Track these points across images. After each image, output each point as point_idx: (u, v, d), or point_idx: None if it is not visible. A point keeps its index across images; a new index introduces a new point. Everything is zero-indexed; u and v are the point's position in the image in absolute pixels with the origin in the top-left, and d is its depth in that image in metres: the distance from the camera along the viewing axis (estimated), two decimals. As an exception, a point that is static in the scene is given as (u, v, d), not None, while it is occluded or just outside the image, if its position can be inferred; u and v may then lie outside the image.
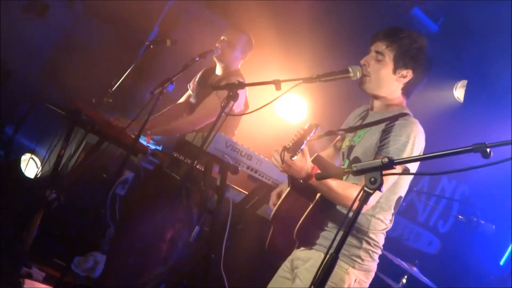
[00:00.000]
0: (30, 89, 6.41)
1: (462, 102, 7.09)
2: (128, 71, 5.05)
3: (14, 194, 5.73)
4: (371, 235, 3.13)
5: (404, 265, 5.51)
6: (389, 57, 3.20)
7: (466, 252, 7.24)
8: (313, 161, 3.00)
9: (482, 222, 6.35)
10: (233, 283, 4.34)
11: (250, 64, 5.36)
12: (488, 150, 2.09)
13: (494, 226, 6.42)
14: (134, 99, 6.89)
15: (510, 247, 7.24)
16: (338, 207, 3.13)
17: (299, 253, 3.24)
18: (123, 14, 6.52)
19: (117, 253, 5.04)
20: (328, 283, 2.95)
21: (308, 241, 3.19)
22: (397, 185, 3.12)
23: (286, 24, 6.77)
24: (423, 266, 5.78)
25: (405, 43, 3.20)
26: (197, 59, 4.76)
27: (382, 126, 3.12)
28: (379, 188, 2.24)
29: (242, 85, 3.65)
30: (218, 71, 5.18)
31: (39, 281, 4.89)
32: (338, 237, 2.31)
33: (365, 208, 2.92)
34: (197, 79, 5.36)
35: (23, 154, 6.22)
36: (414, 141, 3.03)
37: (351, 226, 2.29)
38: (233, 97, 3.60)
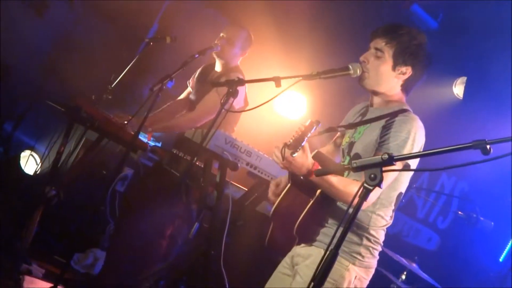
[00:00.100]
0: (30, 86, 6.40)
1: (461, 98, 7.09)
2: (128, 68, 5.06)
3: (14, 191, 5.72)
4: (372, 232, 3.13)
5: (404, 261, 5.52)
6: (388, 54, 3.20)
7: (465, 248, 7.25)
8: (313, 157, 3.00)
9: (482, 218, 6.36)
10: (232, 280, 4.35)
11: (249, 60, 5.36)
12: (488, 146, 2.09)
13: (493, 223, 6.43)
14: (134, 96, 6.89)
15: (509, 244, 7.24)
16: (338, 203, 3.13)
17: (299, 250, 3.24)
18: (122, 11, 6.51)
19: (117, 249, 5.05)
20: (329, 279, 2.98)
21: (308, 238, 3.19)
22: (398, 181, 3.13)
23: (285, 21, 6.77)
24: (423, 262, 5.79)
25: (404, 40, 3.20)
26: (197, 56, 4.76)
27: (382, 122, 3.12)
28: (379, 185, 2.24)
29: (241, 82, 3.66)
30: (218, 67, 5.18)
31: (38, 278, 4.89)
32: (338, 234, 2.31)
33: (366, 205, 2.93)
34: (196, 76, 5.36)
35: (22, 150, 6.23)
36: (414, 137, 3.03)
37: (351, 223, 2.29)
38: (233, 93, 3.60)
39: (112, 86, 5.04)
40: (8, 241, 4.90)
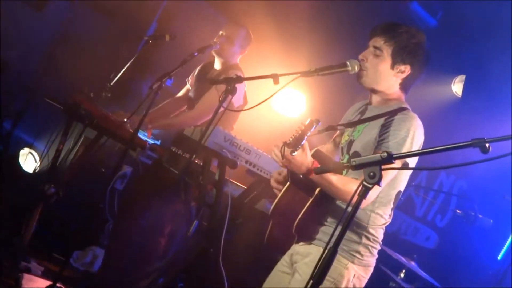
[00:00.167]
0: (29, 84, 6.40)
1: (460, 97, 7.08)
2: (127, 65, 5.06)
3: (13, 188, 5.72)
4: (371, 230, 3.13)
5: (403, 259, 5.52)
6: (387, 52, 3.20)
7: (464, 246, 7.24)
8: (313, 156, 3.00)
9: (480, 216, 6.36)
10: (231, 277, 4.35)
11: (248, 58, 5.36)
12: (487, 145, 2.10)
13: (491, 221, 6.43)
14: (133, 94, 6.89)
15: (508, 242, 7.25)
16: (337, 202, 3.13)
17: (299, 248, 3.24)
18: (121, 9, 6.52)
19: (116, 247, 5.05)
20: (328, 278, 2.98)
21: (307, 236, 3.19)
22: (397, 179, 3.13)
23: (284, 18, 6.77)
24: (421, 260, 5.79)
25: (403, 39, 3.20)
26: (196, 54, 4.76)
27: (381, 120, 3.13)
28: (378, 183, 2.24)
29: (240, 79, 3.65)
30: (217, 65, 5.19)
31: (38, 276, 4.89)
32: (337, 232, 2.32)
33: (365, 203, 2.93)
34: (195, 74, 5.36)
35: (21, 148, 6.22)
36: (413, 135, 3.03)
37: (350, 221, 2.29)
38: (231, 91, 3.60)
39: (111, 83, 5.04)
40: (8, 239, 4.91)
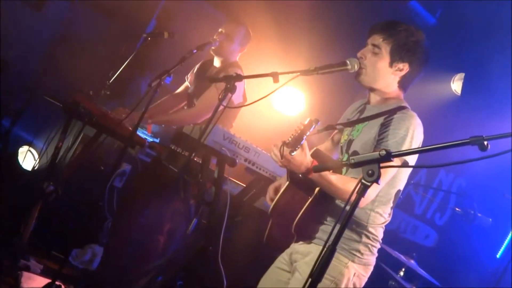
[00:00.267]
0: (28, 81, 6.39)
1: (459, 95, 7.09)
2: (126, 63, 5.05)
3: (12, 186, 5.72)
4: (371, 229, 3.13)
5: (402, 258, 5.53)
6: (385, 50, 3.20)
7: (463, 245, 7.26)
8: (312, 155, 3.00)
9: (479, 215, 6.36)
10: (230, 275, 4.35)
11: (248, 56, 5.36)
12: (485, 143, 2.10)
13: (490, 219, 6.44)
14: (132, 91, 6.88)
15: (507, 240, 7.26)
16: (337, 201, 3.13)
17: (298, 247, 3.24)
18: (120, 7, 6.51)
19: (115, 245, 5.05)
20: (328, 277, 2.99)
21: (306, 235, 3.19)
22: (396, 178, 3.13)
23: (284, 17, 6.76)
24: (420, 258, 5.80)
25: (401, 37, 3.20)
26: (195, 51, 4.76)
27: (380, 119, 3.12)
28: (376, 181, 2.25)
29: (239, 77, 3.65)
30: (216, 63, 5.19)
31: (37, 274, 4.89)
32: (336, 230, 2.32)
33: (365, 202, 2.94)
34: (195, 71, 5.36)
35: (20, 146, 6.22)
36: (413, 134, 3.03)
37: (348, 218, 2.29)
38: (231, 89, 3.59)
39: (110, 81, 5.04)
40: (7, 237, 4.90)
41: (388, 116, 3.10)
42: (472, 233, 7.00)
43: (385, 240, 3.28)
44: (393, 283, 5.57)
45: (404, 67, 3.22)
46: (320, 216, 3.18)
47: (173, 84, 5.75)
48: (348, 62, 3.20)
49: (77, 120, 4.84)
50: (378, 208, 3.14)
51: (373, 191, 2.93)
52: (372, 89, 3.28)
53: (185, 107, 5.29)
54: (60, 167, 5.02)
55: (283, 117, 6.94)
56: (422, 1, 6.98)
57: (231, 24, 5.19)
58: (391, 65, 3.20)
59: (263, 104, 3.64)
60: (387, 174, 2.96)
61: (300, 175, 2.95)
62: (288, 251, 3.32)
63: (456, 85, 7.12)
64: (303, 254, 3.19)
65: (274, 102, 6.92)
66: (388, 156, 2.22)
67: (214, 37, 5.08)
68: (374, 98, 3.30)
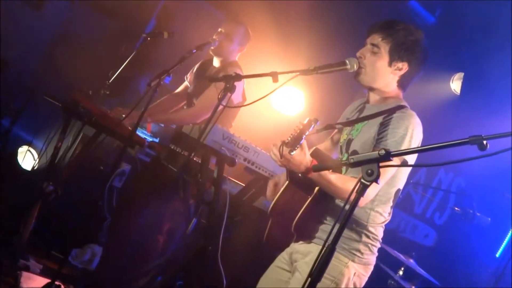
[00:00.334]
0: (28, 81, 6.39)
1: (458, 94, 7.09)
2: (126, 63, 5.05)
3: (11, 186, 5.72)
4: (370, 229, 3.13)
5: (401, 257, 5.53)
6: (384, 50, 3.20)
7: (462, 244, 7.26)
8: (311, 155, 3.00)
9: (478, 214, 6.37)
10: (230, 275, 4.35)
11: (247, 56, 5.36)
12: (484, 142, 2.10)
13: (490, 219, 6.44)
14: (132, 91, 6.88)
15: (506, 239, 7.26)
16: (336, 200, 3.13)
17: (298, 247, 3.24)
18: (120, 6, 6.51)
19: (114, 245, 5.05)
20: (328, 276, 3.00)
21: (306, 235, 3.19)
22: (396, 178, 3.13)
23: (283, 16, 6.76)
24: (420, 258, 5.80)
25: (400, 36, 3.20)
26: (194, 51, 4.76)
27: (379, 119, 3.13)
28: (375, 180, 2.25)
29: (239, 77, 3.65)
30: (216, 63, 5.19)
31: (36, 274, 4.89)
32: (336, 229, 2.32)
33: (364, 201, 2.94)
34: (194, 71, 5.36)
35: (20, 146, 6.22)
36: (412, 133, 3.03)
37: (348, 218, 2.30)
38: (230, 89, 3.59)
39: (110, 81, 5.04)
40: (6, 237, 4.90)
41: (387, 115, 3.11)
42: (471, 233, 7.01)
43: (384, 239, 3.29)
44: (392, 283, 5.57)
45: (403, 66, 3.22)
46: (319, 215, 3.18)
47: (172, 83, 5.75)
48: (347, 61, 3.20)
49: (76, 119, 4.84)
50: (378, 207, 3.14)
51: (372, 191, 2.93)
52: (371, 89, 3.28)
53: (185, 107, 5.29)
54: (59, 167, 5.02)
55: (283, 117, 6.94)
56: (422, 0, 6.99)
57: (230, 24, 5.19)
58: (390, 64, 3.20)
59: (263, 103, 3.65)
60: (386, 173, 2.96)
61: (300, 175, 2.95)
62: (288, 250, 3.32)
63: (456, 84, 7.13)
64: (303, 254, 3.19)
65: (273, 102, 6.92)
66: (388, 156, 2.23)
67: (214, 36, 5.08)
68: (373, 97, 3.30)
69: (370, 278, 3.25)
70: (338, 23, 6.90)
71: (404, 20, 3.33)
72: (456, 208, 6.69)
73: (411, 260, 5.61)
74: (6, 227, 5.08)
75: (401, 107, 3.16)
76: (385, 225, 3.23)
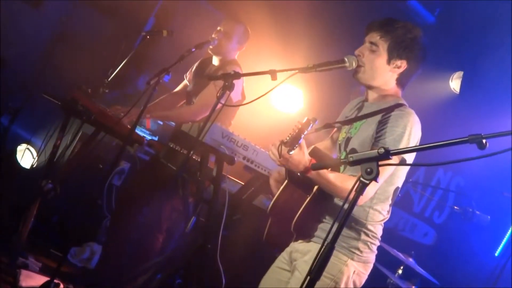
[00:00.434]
0: (26, 79, 6.39)
1: (458, 93, 7.10)
2: (125, 61, 5.05)
3: (10, 184, 5.72)
4: (369, 227, 3.13)
5: (401, 256, 5.52)
6: (383, 48, 3.20)
7: (461, 243, 7.26)
8: (310, 154, 3.00)
9: (478, 212, 6.37)
10: (229, 273, 4.35)
11: (246, 54, 5.36)
12: (484, 141, 2.10)
13: (489, 217, 6.44)
14: (131, 90, 6.88)
15: (506, 238, 7.26)
16: (335, 199, 3.13)
17: (298, 246, 3.24)
18: (119, 4, 6.51)
19: (114, 243, 5.05)
20: (327, 275, 2.99)
21: (306, 234, 3.19)
22: (394, 176, 3.13)
23: (282, 15, 6.76)
24: (419, 257, 5.80)
25: (399, 34, 3.20)
26: (193, 49, 4.76)
27: (378, 117, 3.12)
28: (375, 179, 2.25)
29: (238, 75, 3.64)
30: (215, 61, 5.19)
31: (35, 272, 4.89)
32: (335, 228, 2.31)
33: (363, 199, 2.94)
34: (193, 70, 5.36)
35: (19, 144, 6.21)
36: (410, 131, 3.03)
37: (347, 217, 2.29)
38: (229, 87, 3.59)
39: (109, 79, 5.03)
40: (5, 235, 4.90)
41: (386, 113, 3.10)
42: (470, 231, 7.01)
43: (383, 238, 3.29)
44: (392, 282, 5.57)
45: (402, 64, 3.21)
46: (319, 214, 3.18)
47: (171, 82, 5.75)
48: (346, 59, 3.20)
49: (75, 118, 4.84)
50: (377, 205, 3.14)
51: (371, 189, 2.92)
52: (370, 87, 3.28)
53: (184, 106, 5.28)
54: (58, 165, 5.02)
55: (282, 115, 6.94)
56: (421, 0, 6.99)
57: (229, 23, 5.19)
58: (389, 62, 3.20)
59: (262, 102, 3.64)
60: (385, 171, 2.96)
61: (299, 174, 2.95)
62: (288, 250, 3.32)
63: (455, 83, 7.13)
64: (302, 253, 3.19)
65: (272, 100, 6.93)
66: (387, 154, 2.22)
67: (213, 35, 5.08)
68: (372, 95, 3.30)
69: (370, 277, 3.25)
70: (337, 22, 6.91)
71: (404, 19, 3.32)
72: (455, 207, 6.69)
73: (410, 259, 5.61)
74: (5, 225, 5.08)
75: (399, 105, 3.15)
76: (384, 224, 3.23)
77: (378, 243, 3.21)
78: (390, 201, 3.19)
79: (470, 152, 2.19)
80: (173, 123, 5.18)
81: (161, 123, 5.69)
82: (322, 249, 2.28)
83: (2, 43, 6.04)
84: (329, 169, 2.94)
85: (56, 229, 5.85)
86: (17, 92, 6.29)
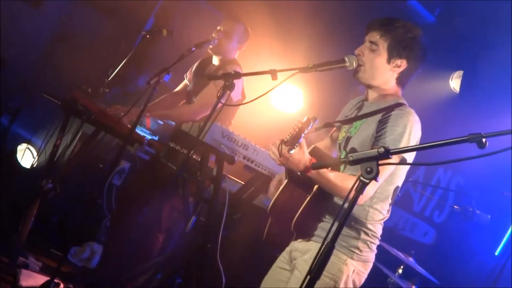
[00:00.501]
0: (27, 79, 6.39)
1: (458, 92, 7.10)
2: (125, 61, 5.05)
3: (10, 184, 5.72)
4: (369, 226, 3.13)
5: (400, 255, 5.52)
6: (383, 47, 3.20)
7: (461, 242, 7.26)
8: (310, 153, 3.00)
9: (478, 212, 6.37)
10: (229, 273, 4.35)
11: (246, 54, 5.36)
12: (483, 140, 2.10)
13: (489, 216, 6.44)
14: (131, 89, 6.88)
15: (506, 237, 7.26)
16: (335, 198, 3.13)
17: (297, 245, 3.24)
18: (119, 4, 6.51)
19: (114, 243, 5.06)
20: (327, 274, 2.99)
21: (306, 233, 3.19)
22: (394, 175, 3.13)
23: (282, 14, 6.76)
24: (419, 256, 5.80)
25: (399, 33, 3.20)
26: (194, 49, 4.76)
27: (378, 116, 3.12)
28: (375, 178, 2.25)
29: (238, 75, 3.64)
30: (215, 61, 5.19)
31: (36, 271, 4.89)
32: (335, 227, 2.32)
33: (363, 199, 2.94)
34: (194, 69, 5.36)
35: (19, 144, 6.21)
36: (410, 131, 3.03)
37: (347, 216, 2.30)
38: (229, 87, 3.59)
39: (109, 79, 5.04)
40: (5, 235, 4.90)
41: (386, 113, 3.10)
42: (470, 231, 7.01)
43: (383, 237, 3.29)
44: (392, 281, 5.57)
45: (402, 64, 3.22)
46: (318, 213, 3.18)
47: (171, 82, 5.75)
48: (346, 59, 3.20)
49: (75, 117, 4.84)
50: (377, 204, 3.14)
51: (371, 188, 2.93)
52: (370, 86, 3.28)
53: (184, 105, 5.28)
54: (58, 164, 5.02)
55: (282, 115, 6.94)
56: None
57: (229, 22, 5.19)
58: (389, 61, 3.20)
59: (262, 101, 3.64)
60: (385, 171, 2.96)
61: (299, 173, 2.95)
62: (287, 249, 3.32)
63: (455, 82, 7.13)
64: (302, 252, 3.19)
65: (272, 100, 6.93)
66: (387, 154, 2.22)
67: (213, 35, 5.08)
68: (372, 95, 3.30)
69: (370, 276, 3.25)
70: (337, 22, 6.91)
71: (404, 19, 3.32)
72: (455, 206, 6.69)
73: (410, 259, 5.61)
74: (5, 225, 5.08)
75: (399, 104, 3.16)
76: (384, 223, 3.23)
77: (378, 242, 3.21)
78: (390, 200, 3.19)
79: (470, 152, 2.19)
80: (173, 123, 5.18)
81: (161, 122, 5.69)
82: (322, 248, 2.28)
83: (2, 43, 6.04)
84: (329, 168, 2.95)
85: (56, 228, 5.85)
86: (17, 92, 6.30)
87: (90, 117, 4.53)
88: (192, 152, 4.05)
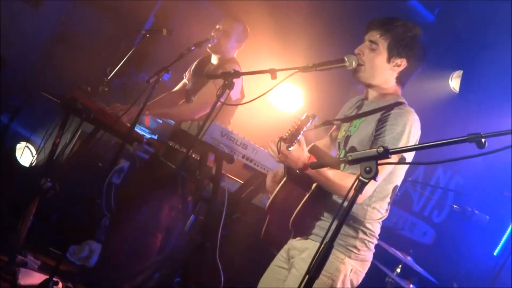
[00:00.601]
0: (26, 78, 6.39)
1: (457, 92, 7.10)
2: (124, 59, 5.05)
3: (9, 183, 5.72)
4: (367, 225, 3.13)
5: (399, 254, 5.53)
6: (383, 46, 3.20)
7: (460, 242, 7.26)
8: (309, 151, 3.00)
9: (477, 212, 6.37)
10: (228, 272, 4.36)
11: (245, 53, 5.36)
12: (483, 140, 2.10)
13: (488, 217, 6.44)
14: (130, 88, 6.88)
15: (504, 237, 7.26)
16: (334, 196, 3.13)
17: (295, 243, 3.24)
18: (119, 3, 6.51)
19: (113, 242, 5.05)
20: (324, 273, 2.99)
21: (304, 231, 3.19)
22: (393, 174, 3.13)
23: (282, 13, 6.77)
24: (418, 256, 5.80)
25: (399, 32, 3.20)
26: (193, 48, 4.76)
27: (377, 115, 3.12)
28: (374, 178, 2.25)
29: (237, 74, 3.64)
30: (214, 60, 5.18)
31: (34, 270, 4.89)
32: (333, 227, 2.31)
33: (362, 198, 2.93)
34: (193, 68, 5.36)
35: (18, 142, 6.21)
36: (410, 130, 3.03)
37: (345, 215, 2.29)
38: (229, 86, 3.59)
39: (108, 78, 5.04)
40: (4, 233, 4.90)
41: (385, 111, 3.10)
42: (469, 231, 7.01)
43: (382, 237, 3.29)
44: (390, 280, 5.58)
45: (402, 63, 3.21)
46: (317, 212, 3.17)
47: (171, 80, 5.75)
48: (346, 58, 3.19)
49: (75, 116, 4.84)
50: (375, 203, 3.14)
51: (370, 188, 2.92)
52: (370, 85, 3.27)
53: (183, 104, 5.28)
54: (58, 163, 5.02)
55: (281, 114, 6.95)
56: (421, -1, 7.01)
57: (228, 21, 5.18)
58: (388, 60, 3.20)
59: (261, 101, 3.63)
60: (384, 170, 2.96)
61: (297, 171, 2.95)
62: (285, 247, 3.32)
63: (455, 82, 7.14)
64: (300, 250, 3.19)
65: (272, 99, 6.93)
66: (386, 153, 2.22)
67: (212, 33, 5.08)
68: (371, 94, 3.29)
69: (368, 275, 3.25)
70: (337, 22, 6.91)
71: (404, 19, 3.32)
72: (454, 206, 6.69)
73: (409, 258, 5.62)
74: (4, 224, 5.08)
75: (399, 103, 3.15)
76: (383, 223, 3.23)
77: (375, 242, 3.21)
78: (388, 200, 3.19)
79: (469, 151, 2.19)
80: (173, 122, 5.18)
81: (161, 121, 5.69)
82: (321, 248, 2.28)
83: (2, 43, 6.04)
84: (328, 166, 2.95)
85: (55, 227, 5.84)
86: (17, 91, 6.30)
87: (89, 115, 4.53)
88: (191, 151, 4.05)
